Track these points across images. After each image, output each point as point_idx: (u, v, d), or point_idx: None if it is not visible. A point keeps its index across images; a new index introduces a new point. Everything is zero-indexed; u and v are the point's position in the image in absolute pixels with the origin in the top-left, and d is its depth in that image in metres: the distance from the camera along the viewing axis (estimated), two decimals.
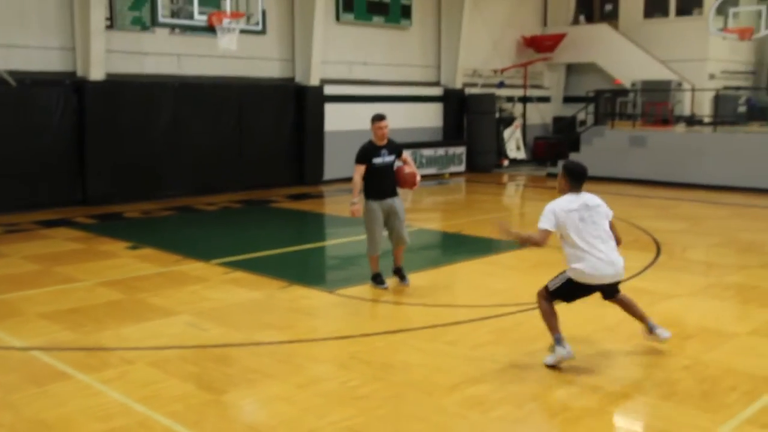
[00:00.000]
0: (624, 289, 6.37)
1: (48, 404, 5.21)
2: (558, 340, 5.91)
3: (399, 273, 8.51)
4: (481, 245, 11.24)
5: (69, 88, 14.46)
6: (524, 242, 6.28)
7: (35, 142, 13.99)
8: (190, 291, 8.31)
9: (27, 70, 14.05)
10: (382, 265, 8.39)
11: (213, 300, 7.93)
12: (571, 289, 6.01)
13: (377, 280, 8.31)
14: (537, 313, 7.31)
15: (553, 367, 5.86)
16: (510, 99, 23.49)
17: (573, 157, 20.05)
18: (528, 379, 5.69)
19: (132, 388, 5.48)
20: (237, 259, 9.86)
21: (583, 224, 5.89)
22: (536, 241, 5.99)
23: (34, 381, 5.63)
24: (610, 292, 6.19)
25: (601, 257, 5.83)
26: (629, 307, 6.33)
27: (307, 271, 9.93)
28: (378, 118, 8.12)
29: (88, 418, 4.99)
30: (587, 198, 6.04)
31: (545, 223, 5.94)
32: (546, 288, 6.11)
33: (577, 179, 6.05)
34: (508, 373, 5.81)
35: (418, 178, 8.40)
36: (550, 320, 6.02)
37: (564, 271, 6.03)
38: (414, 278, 8.75)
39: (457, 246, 11.51)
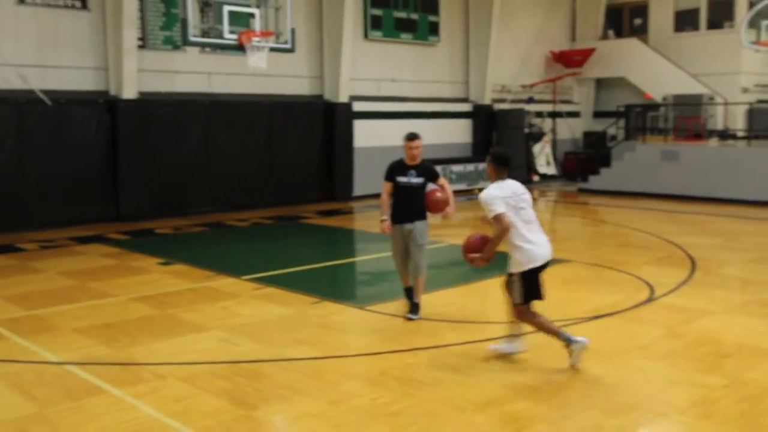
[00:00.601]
0: (659, 307, 6.30)
1: (83, 419, 5.25)
2: (569, 339, 6.09)
3: (411, 302, 7.91)
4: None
5: (102, 106, 14.68)
6: (497, 243, 6.26)
7: (70, 160, 14.21)
8: (222, 307, 8.34)
9: (62, 90, 14.30)
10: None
11: (244, 316, 7.96)
12: (532, 282, 6.17)
13: (408, 294, 8.24)
14: (571, 330, 7.25)
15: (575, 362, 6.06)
16: (539, 114, 23.40)
17: (604, 172, 19.92)
18: (562, 396, 5.62)
19: (165, 403, 5.50)
20: (268, 275, 9.89)
21: (516, 211, 6.11)
22: (504, 230, 6.07)
23: (69, 395, 5.68)
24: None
25: (539, 241, 6.16)
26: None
27: (338, 286, 9.94)
28: (410, 137, 7.77)
29: None
30: (514, 185, 6.25)
31: (498, 206, 6.04)
32: (517, 305, 6.25)
33: (503, 165, 6.27)
34: (542, 390, 5.74)
35: (450, 207, 7.82)
36: (549, 327, 6.19)
37: (512, 277, 6.24)
38: (445, 294, 8.72)
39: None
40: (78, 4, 14.52)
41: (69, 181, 14.22)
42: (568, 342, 6.09)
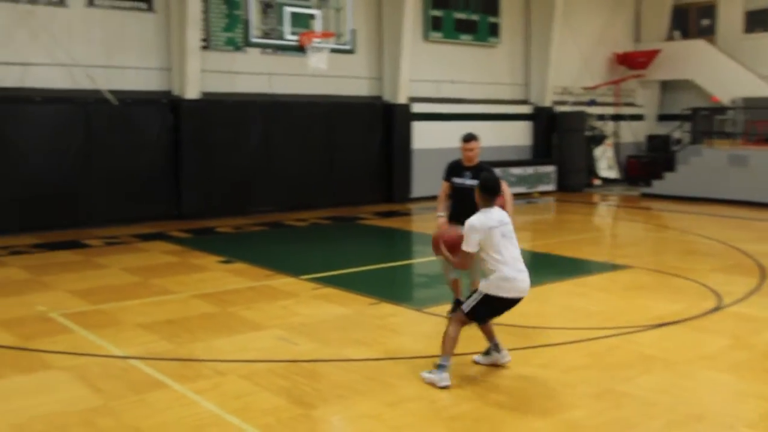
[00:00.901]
0: (726, 316, 6.11)
1: (145, 413, 5.33)
2: (444, 367, 5.88)
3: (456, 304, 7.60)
4: (571, 266, 10.99)
5: (166, 106, 14.97)
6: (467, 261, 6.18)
7: (134, 159, 14.52)
8: (281, 306, 8.40)
9: (127, 90, 14.62)
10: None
11: (303, 315, 8.00)
12: (488, 307, 6.01)
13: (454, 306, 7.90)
14: (634, 338, 7.12)
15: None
16: (601, 117, 23.01)
17: (669, 176, 19.47)
18: (625, 407, 5.48)
19: (224, 399, 5.56)
20: (326, 275, 9.93)
21: (504, 240, 5.98)
22: (462, 264, 6.18)
23: (133, 389, 5.79)
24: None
25: (519, 275, 5.93)
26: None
27: (396, 288, 9.92)
28: (466, 138, 7.68)
29: (182, 427, 5.08)
30: (499, 214, 6.10)
31: (473, 245, 5.94)
32: (461, 311, 6.08)
33: (490, 194, 6.10)
34: (604, 399, 5.62)
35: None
36: (451, 345, 5.97)
37: (477, 290, 6.04)
38: None
39: (546, 267, 11.26)
40: (144, 6, 14.85)
41: (133, 180, 14.54)
42: (439, 368, 5.87)
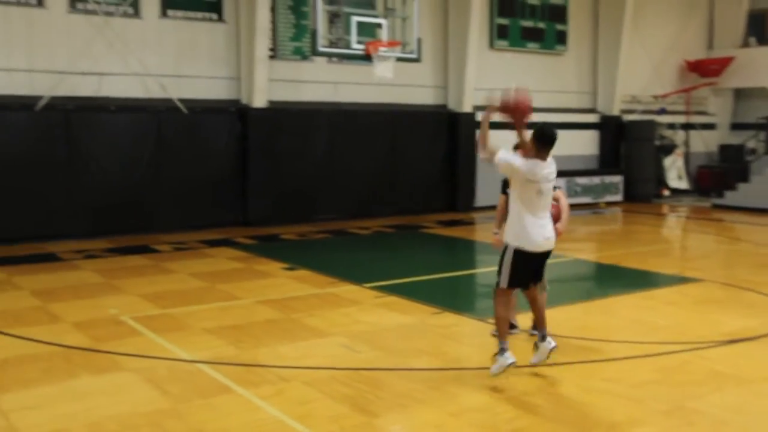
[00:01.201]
0: None
1: (212, 416, 5.42)
2: (504, 349, 6.00)
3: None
4: (639, 278, 10.75)
5: (234, 115, 15.25)
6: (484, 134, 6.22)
7: (202, 166, 14.83)
8: (344, 313, 8.45)
9: (196, 98, 14.96)
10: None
11: (366, 323, 8.03)
12: (522, 265, 6.03)
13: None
14: (705, 354, 6.92)
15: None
16: (671, 126, 22.47)
17: (742, 187, 18.90)
18: (697, 424, 5.33)
19: (288, 405, 5.61)
20: (389, 284, 9.95)
21: (539, 197, 5.96)
22: (487, 154, 6.11)
23: (199, 393, 5.90)
24: (540, 265, 6.28)
25: (542, 231, 6.01)
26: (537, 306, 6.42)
27: (458, 298, 9.87)
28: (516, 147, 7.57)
29: None
30: (546, 169, 5.97)
31: (507, 158, 5.98)
32: (499, 287, 6.13)
33: (544, 143, 5.97)
34: (675, 415, 5.47)
35: (561, 223, 6.86)
36: (504, 326, 6.13)
37: (504, 251, 6.09)
38: (567, 311, 8.50)
39: (613, 278, 11.06)
40: (214, 16, 15.18)
41: (201, 187, 14.84)
42: (500, 352, 5.99)
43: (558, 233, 6.87)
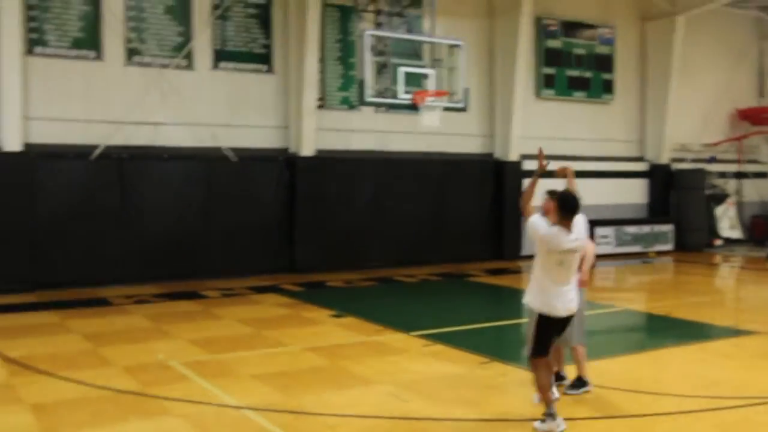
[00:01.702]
0: None
1: None
2: (552, 414, 5.98)
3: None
4: (692, 330, 10.49)
5: (282, 163, 15.47)
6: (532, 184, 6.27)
7: (251, 213, 15.03)
8: (391, 361, 8.40)
9: (246, 147, 15.24)
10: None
11: (413, 372, 7.96)
12: (546, 330, 6.05)
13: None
14: (765, 410, 6.68)
15: None
16: (722, 174, 22.12)
17: None
18: None
19: None
20: (436, 332, 9.87)
21: (559, 268, 5.93)
22: (524, 212, 6.15)
23: None
24: (564, 327, 6.25)
25: (560, 297, 5.99)
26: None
27: (506, 347, 9.72)
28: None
29: None
30: (569, 239, 5.91)
31: (539, 226, 5.94)
32: (531, 356, 6.15)
33: (567, 212, 5.90)
34: None
35: (584, 273, 6.96)
36: (547, 392, 6.04)
37: (530, 315, 6.18)
38: (618, 362, 8.33)
39: (664, 329, 10.81)
40: (264, 67, 15.52)
41: (249, 233, 15.01)
42: (549, 417, 5.94)
43: (581, 283, 6.78)
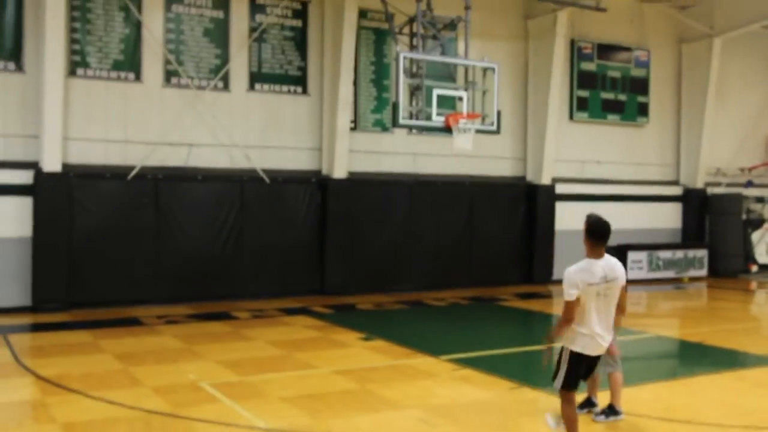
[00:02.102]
0: None
1: None
2: None
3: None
4: (727, 358, 10.31)
5: (315, 185, 15.58)
6: (560, 331, 5.91)
7: (282, 235, 15.13)
8: (420, 386, 8.38)
9: (279, 168, 15.37)
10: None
11: (442, 396, 7.93)
12: (576, 367, 5.88)
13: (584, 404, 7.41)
14: None
15: None
16: (760, 199, 21.76)
17: None
18: None
19: None
20: (466, 356, 9.83)
21: (598, 300, 5.73)
22: (565, 319, 5.77)
23: None
24: (594, 365, 6.15)
25: (598, 337, 5.81)
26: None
27: (536, 373, 9.60)
28: None
29: None
30: (606, 267, 5.73)
31: (571, 292, 5.70)
32: (558, 390, 5.99)
33: (599, 239, 5.73)
34: None
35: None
36: (574, 425, 5.93)
37: (562, 350, 5.93)
38: (650, 390, 8.22)
39: (698, 357, 10.64)
40: (299, 89, 15.69)
41: (280, 255, 15.10)
42: None
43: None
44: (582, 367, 5.94)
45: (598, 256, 5.78)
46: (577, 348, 5.81)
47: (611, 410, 7.12)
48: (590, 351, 5.85)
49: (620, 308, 5.99)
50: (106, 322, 12.10)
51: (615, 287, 5.81)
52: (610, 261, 5.86)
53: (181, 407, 7.40)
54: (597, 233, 5.75)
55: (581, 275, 5.68)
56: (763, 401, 8.01)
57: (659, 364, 10.29)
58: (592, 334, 5.78)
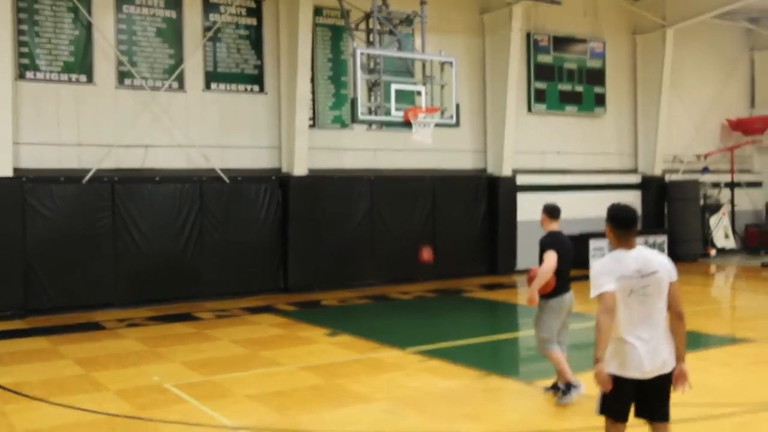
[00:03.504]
0: None
1: None
2: None
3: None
4: (689, 339, 10.31)
5: (275, 183, 15.44)
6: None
7: (243, 234, 14.96)
8: (387, 378, 8.33)
9: (238, 168, 15.21)
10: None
11: (410, 388, 7.89)
12: (616, 392, 4.54)
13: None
14: (764, 416, 6.63)
15: None
16: (716, 185, 22.17)
17: None
18: None
19: None
20: (432, 348, 9.81)
21: (633, 299, 4.51)
22: (605, 314, 4.48)
23: None
24: (652, 397, 4.66)
25: (641, 346, 4.51)
26: None
27: (503, 361, 9.68)
28: None
29: None
30: (640, 259, 4.59)
31: (606, 283, 4.52)
32: (597, 412, 4.73)
33: (625, 227, 4.68)
34: None
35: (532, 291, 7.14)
36: None
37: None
38: None
39: None
40: (256, 88, 15.53)
41: (242, 254, 14.93)
42: None
43: (529, 301, 6.97)
44: (625, 392, 4.59)
45: (628, 246, 4.70)
46: (612, 368, 4.54)
47: (568, 388, 7.09)
48: (631, 370, 4.53)
49: (673, 311, 4.68)
50: (65, 328, 11.84)
51: (655, 284, 4.57)
52: (644, 253, 4.69)
53: (146, 409, 7.26)
54: (620, 220, 4.74)
55: (610, 265, 4.62)
56: (726, 380, 8.12)
57: None
58: (630, 345, 4.53)
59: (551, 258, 7.06)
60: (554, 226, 7.53)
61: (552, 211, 7.55)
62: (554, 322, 7.26)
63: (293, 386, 8.07)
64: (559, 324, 7.30)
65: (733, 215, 22.13)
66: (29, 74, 13.34)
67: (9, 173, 12.81)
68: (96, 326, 12.03)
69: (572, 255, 7.43)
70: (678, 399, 7.21)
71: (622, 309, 4.53)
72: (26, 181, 12.99)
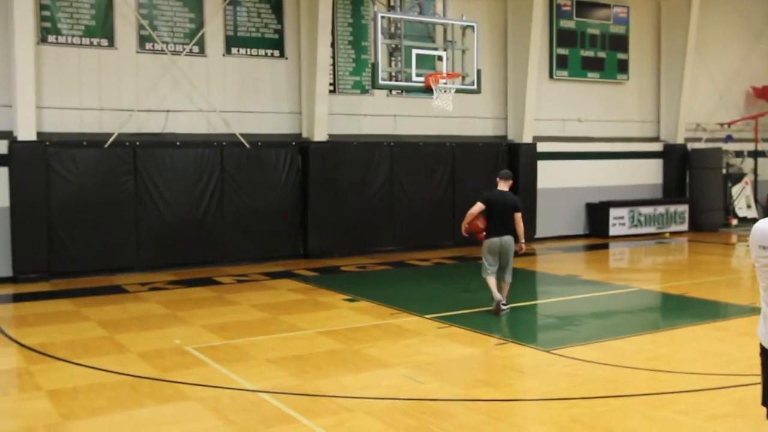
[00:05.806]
0: None
1: None
2: None
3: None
4: (708, 309, 10.43)
5: (294, 148, 15.44)
6: None
7: (264, 200, 15.03)
8: (406, 344, 8.39)
9: (259, 133, 15.21)
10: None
11: (428, 354, 7.95)
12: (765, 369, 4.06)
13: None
14: None
15: None
16: (739, 154, 21.90)
17: None
18: None
19: None
20: (451, 314, 9.87)
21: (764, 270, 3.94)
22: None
23: (263, 422, 5.91)
24: None
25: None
26: None
27: (522, 328, 9.71)
28: None
29: None
30: None
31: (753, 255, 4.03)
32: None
33: None
34: None
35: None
36: None
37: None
38: (634, 341, 8.29)
39: (680, 309, 10.74)
40: (276, 53, 15.48)
41: (262, 219, 15.01)
42: None
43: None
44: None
45: None
46: (764, 339, 4.08)
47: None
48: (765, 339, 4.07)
49: None
50: (89, 291, 12.01)
51: None
52: None
53: (168, 371, 7.37)
54: None
55: (754, 235, 4.03)
56: (745, 350, 8.09)
57: (643, 316, 10.37)
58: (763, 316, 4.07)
59: (475, 205, 10.47)
60: (502, 186, 10.56)
61: (499, 175, 10.82)
62: (489, 257, 10.13)
63: (312, 351, 8.16)
64: (494, 260, 10.11)
65: (756, 184, 21.90)
66: (51, 38, 13.37)
67: (33, 137, 12.90)
68: (118, 289, 12.19)
69: (503, 209, 10.42)
70: (697, 369, 7.26)
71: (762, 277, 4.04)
72: (49, 145, 13.09)
